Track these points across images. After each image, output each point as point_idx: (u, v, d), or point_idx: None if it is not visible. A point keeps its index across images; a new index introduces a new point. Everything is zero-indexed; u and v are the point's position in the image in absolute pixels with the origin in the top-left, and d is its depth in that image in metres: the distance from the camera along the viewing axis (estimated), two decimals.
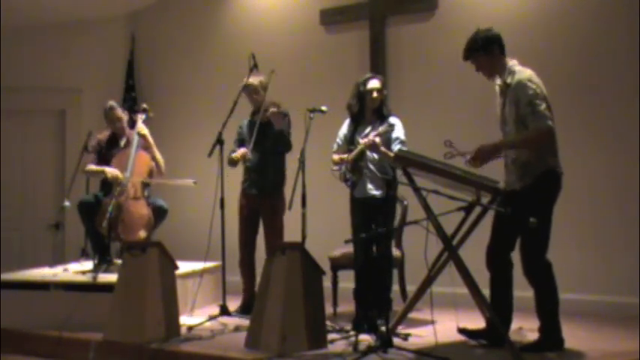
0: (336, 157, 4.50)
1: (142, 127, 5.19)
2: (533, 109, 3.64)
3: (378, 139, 4.18)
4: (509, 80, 3.79)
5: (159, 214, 5.10)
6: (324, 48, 6.27)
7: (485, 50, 3.83)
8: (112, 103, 5.36)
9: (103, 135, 5.38)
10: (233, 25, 6.76)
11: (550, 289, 3.76)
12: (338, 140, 4.62)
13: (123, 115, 5.33)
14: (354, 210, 4.54)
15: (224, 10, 6.83)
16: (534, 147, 3.71)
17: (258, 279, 4.71)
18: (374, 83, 4.47)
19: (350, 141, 4.49)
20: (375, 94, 4.44)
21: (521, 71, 3.79)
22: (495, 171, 3.91)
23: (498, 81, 3.89)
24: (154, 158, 5.21)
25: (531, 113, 3.65)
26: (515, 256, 3.85)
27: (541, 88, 3.73)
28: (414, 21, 5.89)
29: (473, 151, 3.73)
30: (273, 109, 4.71)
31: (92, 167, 5.22)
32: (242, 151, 4.81)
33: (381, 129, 4.25)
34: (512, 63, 3.85)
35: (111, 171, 5.06)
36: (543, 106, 3.64)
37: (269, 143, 4.82)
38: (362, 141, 4.27)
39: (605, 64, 5.20)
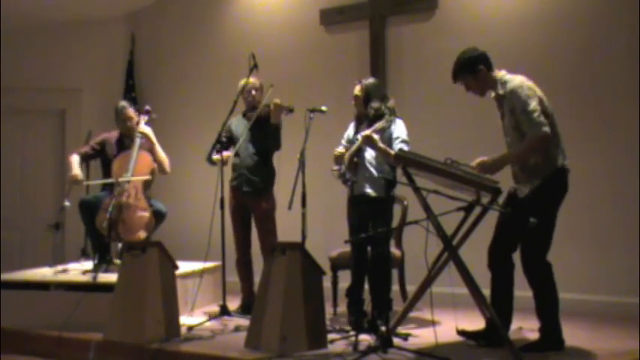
0: (337, 151, 4.50)
1: (143, 127, 5.18)
2: (527, 116, 3.66)
3: (375, 135, 4.19)
4: (501, 91, 3.82)
5: (157, 217, 5.08)
6: (324, 48, 6.27)
7: (472, 70, 3.86)
8: (123, 103, 5.39)
9: (112, 134, 5.36)
10: (233, 25, 6.76)
11: (550, 289, 3.76)
12: (343, 142, 4.63)
13: (134, 115, 5.31)
14: (351, 207, 4.55)
15: (224, 10, 6.83)
16: (533, 155, 3.72)
17: (255, 278, 4.74)
18: (354, 90, 4.51)
19: (352, 142, 4.51)
20: (353, 102, 4.50)
21: (512, 79, 3.81)
22: (496, 173, 3.91)
23: (493, 94, 3.90)
24: (156, 159, 5.20)
25: (526, 121, 3.67)
26: (516, 257, 3.84)
27: (533, 90, 3.74)
28: (414, 21, 5.89)
29: (474, 165, 3.76)
30: (277, 100, 4.64)
31: (72, 158, 5.16)
32: (227, 153, 4.76)
33: (377, 124, 4.27)
34: (502, 74, 3.87)
35: (72, 173, 5.03)
36: (537, 113, 3.65)
37: (263, 140, 4.79)
38: (359, 136, 4.29)
39: (604, 63, 5.19)
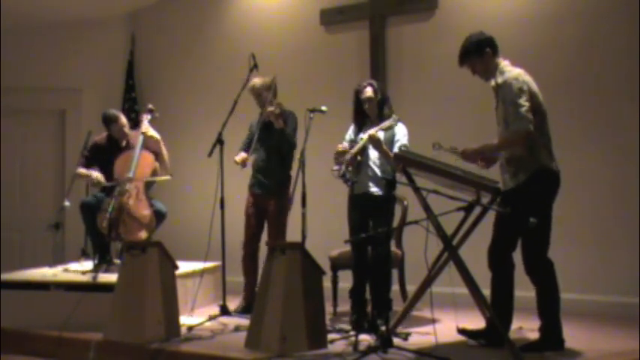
0: (340, 147, 4.49)
1: (147, 128, 5.18)
2: (514, 109, 3.67)
3: (381, 133, 4.19)
4: (499, 80, 3.82)
5: (157, 217, 5.08)
6: (324, 48, 6.27)
7: (479, 53, 3.87)
8: (113, 112, 5.31)
9: (101, 138, 5.37)
10: (233, 25, 6.76)
11: (551, 288, 3.76)
12: (345, 143, 4.63)
13: (125, 121, 5.32)
14: (352, 207, 4.55)
15: (224, 10, 6.83)
16: (515, 148, 3.73)
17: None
18: (365, 93, 4.51)
19: (354, 142, 4.51)
20: (366, 105, 4.50)
21: (510, 71, 3.82)
22: (495, 171, 3.91)
23: (492, 82, 3.91)
24: (158, 158, 5.20)
25: (513, 114, 3.68)
26: (517, 256, 3.84)
27: (528, 85, 3.74)
28: (414, 21, 5.89)
29: (459, 150, 3.83)
30: (270, 109, 4.72)
31: (81, 171, 5.21)
32: (242, 155, 4.86)
33: (385, 123, 4.30)
34: (504, 64, 3.88)
35: (96, 175, 5.07)
36: (525, 108, 3.65)
37: (273, 143, 4.87)
38: (364, 135, 4.29)
39: (605, 63, 5.19)
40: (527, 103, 3.66)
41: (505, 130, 3.75)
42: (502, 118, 3.79)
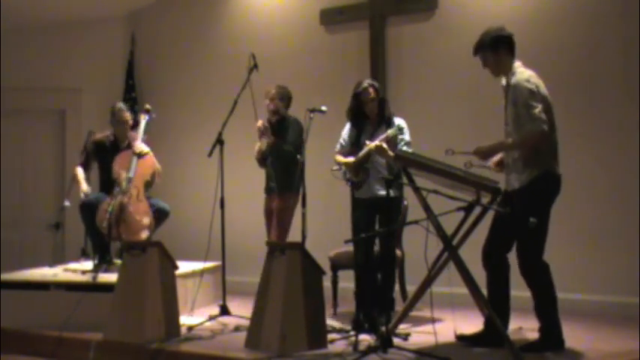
0: (340, 158, 4.51)
1: (140, 147, 5.15)
2: (528, 110, 3.66)
3: (385, 145, 4.20)
4: (511, 81, 3.81)
5: (160, 216, 5.10)
6: (324, 48, 6.27)
7: (493, 48, 3.86)
8: (120, 104, 5.37)
9: (103, 136, 5.36)
10: (233, 25, 6.76)
11: (547, 289, 3.75)
12: (342, 141, 4.63)
13: (130, 118, 5.32)
14: (358, 210, 4.54)
15: (224, 10, 6.83)
16: (528, 148, 3.73)
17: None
18: (370, 94, 4.49)
19: (355, 143, 4.50)
20: (369, 107, 4.50)
21: (522, 72, 3.81)
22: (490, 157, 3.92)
23: (503, 82, 3.90)
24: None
25: (527, 115, 3.67)
26: (513, 258, 3.84)
27: (539, 88, 3.74)
28: (414, 21, 5.89)
29: (472, 151, 3.80)
30: (258, 125, 4.91)
31: (79, 174, 5.21)
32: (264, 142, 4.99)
33: (389, 132, 4.30)
34: (517, 65, 3.87)
35: (84, 189, 5.06)
36: (538, 109, 3.65)
37: (274, 150, 4.99)
38: (370, 144, 4.28)
39: (605, 63, 5.19)
40: (540, 105, 3.66)
41: (517, 131, 3.74)
42: (511, 118, 3.79)
